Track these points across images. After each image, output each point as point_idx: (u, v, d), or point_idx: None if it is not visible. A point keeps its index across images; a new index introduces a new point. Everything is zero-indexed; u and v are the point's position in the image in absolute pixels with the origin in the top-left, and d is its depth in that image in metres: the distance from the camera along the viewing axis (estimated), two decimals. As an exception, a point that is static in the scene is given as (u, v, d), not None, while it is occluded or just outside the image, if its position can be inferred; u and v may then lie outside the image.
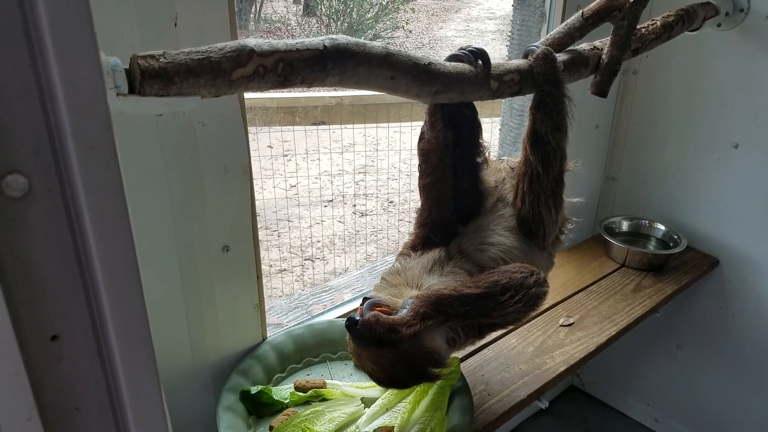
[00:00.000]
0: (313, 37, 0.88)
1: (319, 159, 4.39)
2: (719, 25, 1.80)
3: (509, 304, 1.08)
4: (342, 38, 0.89)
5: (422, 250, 1.26)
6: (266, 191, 4.22)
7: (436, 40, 8.39)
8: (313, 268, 3.73)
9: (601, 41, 1.32)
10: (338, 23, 7.73)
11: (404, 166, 4.39)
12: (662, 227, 2.19)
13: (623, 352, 2.42)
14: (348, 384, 1.38)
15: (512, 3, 1.99)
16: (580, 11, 1.27)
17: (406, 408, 1.28)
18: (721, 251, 2.10)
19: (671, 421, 2.45)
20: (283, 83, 0.84)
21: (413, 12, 8.98)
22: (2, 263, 0.45)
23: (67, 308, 0.48)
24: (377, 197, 4.42)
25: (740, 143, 1.94)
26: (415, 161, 1.28)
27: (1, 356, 0.46)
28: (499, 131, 2.22)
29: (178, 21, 1.04)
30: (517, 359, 1.56)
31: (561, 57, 1.22)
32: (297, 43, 0.85)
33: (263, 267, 1.41)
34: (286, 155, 4.57)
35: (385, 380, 1.14)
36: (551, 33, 1.30)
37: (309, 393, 1.34)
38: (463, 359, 1.53)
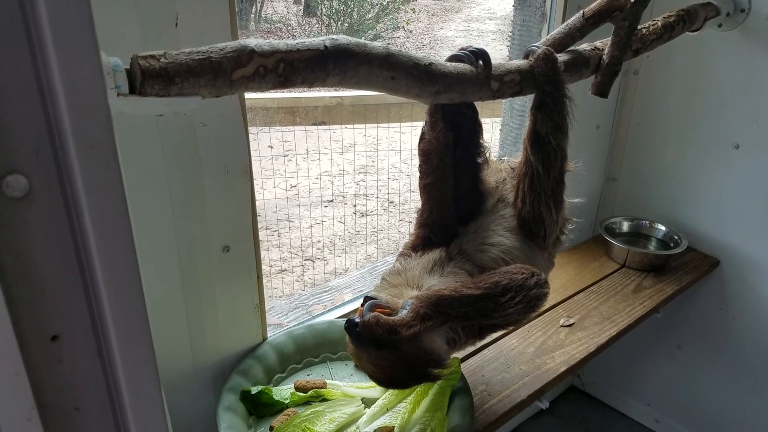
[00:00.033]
0: (314, 37, 0.88)
1: (319, 159, 4.39)
2: (720, 25, 1.80)
3: (510, 305, 1.08)
4: (343, 38, 0.89)
5: (423, 250, 1.26)
6: (267, 191, 4.22)
7: (437, 41, 8.39)
8: (314, 269, 3.73)
9: (601, 41, 1.32)
10: (339, 23, 7.73)
11: (405, 167, 4.39)
12: (663, 228, 2.19)
13: (624, 352, 2.41)
14: (348, 384, 1.38)
15: (513, 3, 1.99)
16: (581, 11, 1.27)
17: (406, 408, 1.28)
18: (721, 252, 2.10)
19: (671, 422, 2.44)
20: (284, 83, 0.84)
21: (414, 12, 8.97)
22: (2, 263, 0.45)
23: (67, 308, 0.48)
24: (377, 197, 4.41)
25: (741, 144, 1.94)
26: (416, 161, 1.28)
27: (1, 356, 0.46)
28: (500, 131, 2.22)
29: (178, 21, 1.04)
30: (517, 360, 1.56)
31: (562, 57, 1.22)
32: (298, 44, 0.85)
33: (263, 267, 1.41)
34: (287, 155, 4.57)
35: (384, 381, 1.14)
36: (552, 33, 1.30)
37: (309, 393, 1.34)
38: (463, 360, 1.53)
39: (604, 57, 1.29)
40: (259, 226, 1.35)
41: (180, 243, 1.21)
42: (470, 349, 1.53)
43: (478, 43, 1.13)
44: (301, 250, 3.83)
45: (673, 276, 2.00)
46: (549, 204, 1.23)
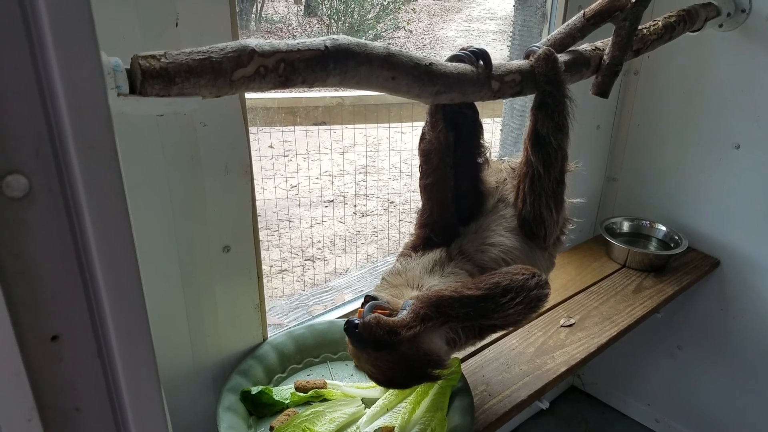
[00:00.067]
0: (314, 37, 0.88)
1: (319, 159, 4.39)
2: (721, 25, 1.80)
3: (510, 306, 1.08)
4: (343, 38, 0.89)
5: (423, 250, 1.26)
6: (267, 191, 4.22)
7: (438, 41, 8.39)
8: (314, 269, 3.73)
9: (602, 42, 1.32)
10: (339, 23, 7.73)
11: (405, 167, 4.39)
12: (663, 228, 2.19)
13: (624, 352, 2.41)
14: (348, 384, 1.38)
15: (513, 3, 1.99)
16: (582, 12, 1.27)
17: (406, 408, 1.27)
18: (721, 252, 2.10)
19: (672, 422, 2.44)
20: (284, 83, 0.84)
21: (414, 12, 8.98)
22: (2, 263, 0.45)
23: (67, 308, 0.48)
24: (378, 197, 4.41)
25: (741, 144, 1.94)
26: (416, 161, 1.28)
27: (1, 356, 0.46)
28: (500, 132, 2.22)
29: (179, 21, 1.04)
30: (517, 360, 1.56)
31: (562, 57, 1.22)
32: (298, 44, 0.85)
33: (264, 267, 1.41)
34: (287, 155, 4.57)
35: (384, 381, 1.14)
36: (552, 33, 1.29)
37: (309, 393, 1.33)
38: (463, 360, 1.53)
39: (605, 57, 1.29)
40: (260, 226, 1.35)
41: (180, 243, 1.21)
42: (470, 349, 1.53)
43: (478, 44, 1.13)
44: (302, 250, 3.83)
45: (673, 276, 2.00)
46: (549, 204, 1.23)
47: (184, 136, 1.14)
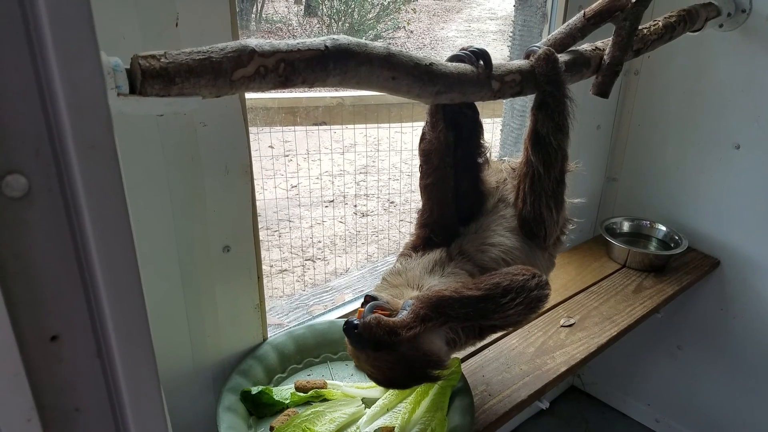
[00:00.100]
0: (315, 37, 0.88)
1: (320, 159, 4.39)
2: (721, 25, 1.80)
3: (510, 307, 1.08)
4: (343, 38, 0.89)
5: (423, 250, 1.26)
6: (267, 191, 4.22)
7: (438, 41, 8.39)
8: (314, 269, 3.72)
9: (602, 42, 1.32)
10: (339, 23, 7.73)
11: (405, 167, 4.39)
12: (663, 228, 2.19)
13: (624, 352, 2.41)
14: (349, 384, 1.38)
15: (514, 3, 1.99)
16: (582, 12, 1.27)
17: (406, 408, 1.27)
18: (722, 252, 2.10)
19: (672, 422, 2.44)
20: (285, 83, 0.84)
21: (414, 12, 8.98)
22: (2, 263, 0.45)
23: (67, 308, 0.48)
24: (378, 197, 4.41)
25: (741, 144, 1.94)
26: (416, 161, 1.28)
27: (1, 357, 0.46)
28: (501, 132, 2.22)
29: (179, 21, 1.04)
30: (517, 360, 1.56)
31: (563, 57, 1.22)
32: (298, 44, 0.85)
33: (264, 267, 1.41)
34: (287, 155, 4.57)
35: (384, 382, 1.14)
36: (553, 33, 1.29)
37: (309, 393, 1.33)
38: (463, 360, 1.53)
39: (605, 57, 1.29)
40: (260, 226, 1.35)
41: (180, 243, 1.21)
42: (470, 349, 1.53)
43: (478, 44, 1.13)
44: (302, 250, 3.83)
45: (673, 276, 2.00)
46: (549, 204, 1.23)
47: (184, 136, 1.14)
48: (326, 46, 0.86)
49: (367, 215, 4.25)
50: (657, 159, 2.18)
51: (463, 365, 1.44)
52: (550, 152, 1.20)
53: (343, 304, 1.77)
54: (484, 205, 1.31)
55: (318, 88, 0.92)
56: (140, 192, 1.12)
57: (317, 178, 4.49)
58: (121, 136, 0.46)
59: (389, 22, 8.31)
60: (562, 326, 1.71)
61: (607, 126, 2.21)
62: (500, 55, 5.21)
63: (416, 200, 1.33)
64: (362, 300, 1.10)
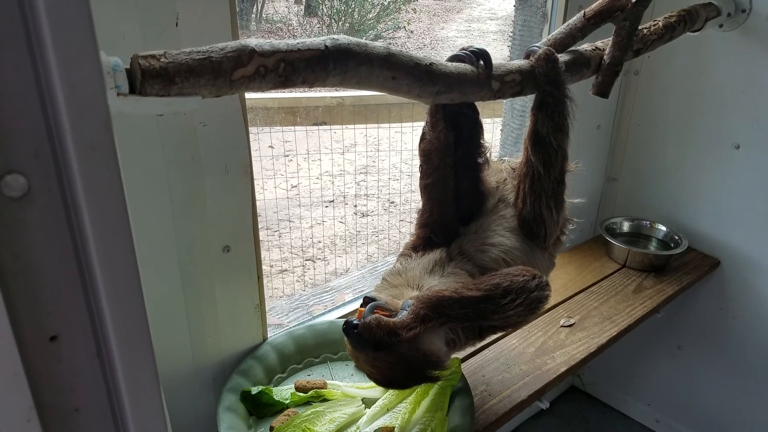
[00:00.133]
0: (315, 37, 0.88)
1: (320, 159, 4.39)
2: (721, 25, 1.80)
3: (510, 308, 1.08)
4: (343, 38, 0.89)
5: (423, 250, 1.26)
6: (267, 191, 4.22)
7: (438, 41, 8.39)
8: (314, 269, 3.72)
9: (602, 42, 1.32)
10: (340, 23, 7.73)
11: (405, 167, 4.39)
12: (663, 228, 2.19)
13: (624, 352, 2.41)
14: (349, 384, 1.38)
15: (514, 3, 1.99)
16: (582, 12, 1.27)
17: (406, 408, 1.27)
18: (722, 252, 2.10)
19: (672, 422, 2.44)
20: (284, 83, 0.84)
21: (415, 12, 8.98)
22: (2, 263, 0.45)
23: (66, 308, 0.48)
24: (378, 198, 4.41)
25: (741, 144, 1.94)
26: (416, 162, 1.27)
27: (0, 357, 0.46)
28: (501, 132, 2.22)
29: (179, 21, 1.04)
30: (517, 360, 1.56)
31: (563, 57, 1.22)
32: (298, 44, 0.85)
33: (264, 267, 1.41)
34: (287, 155, 4.57)
35: (383, 382, 1.14)
36: (553, 33, 1.29)
37: (309, 393, 1.33)
38: (463, 360, 1.53)
39: (605, 57, 1.29)
40: (260, 226, 1.35)
41: (180, 243, 1.21)
42: (470, 349, 1.53)
43: (479, 44, 1.13)
44: (302, 250, 3.83)
45: (673, 276, 2.00)
46: (549, 204, 1.23)
47: (184, 136, 1.14)
48: (326, 46, 0.86)
49: (367, 215, 4.25)
50: (657, 159, 2.18)
51: (463, 365, 1.44)
52: (550, 152, 1.20)
53: (343, 305, 1.77)
54: (484, 205, 1.31)
55: (318, 88, 0.92)
56: (140, 192, 1.12)
57: (317, 178, 4.49)
58: (120, 136, 0.46)
59: (389, 22, 8.31)
60: (562, 326, 1.71)
61: (607, 126, 2.21)
62: (500, 55, 5.21)
63: (416, 200, 1.33)
64: (361, 301, 1.10)
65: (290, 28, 7.89)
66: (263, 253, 1.40)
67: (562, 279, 1.97)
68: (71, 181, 0.45)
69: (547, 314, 1.77)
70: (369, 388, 1.35)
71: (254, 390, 1.29)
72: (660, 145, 2.15)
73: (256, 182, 1.30)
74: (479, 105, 1.24)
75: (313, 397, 1.34)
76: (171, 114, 1.10)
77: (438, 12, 9.62)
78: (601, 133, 2.20)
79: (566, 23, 1.29)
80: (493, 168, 1.35)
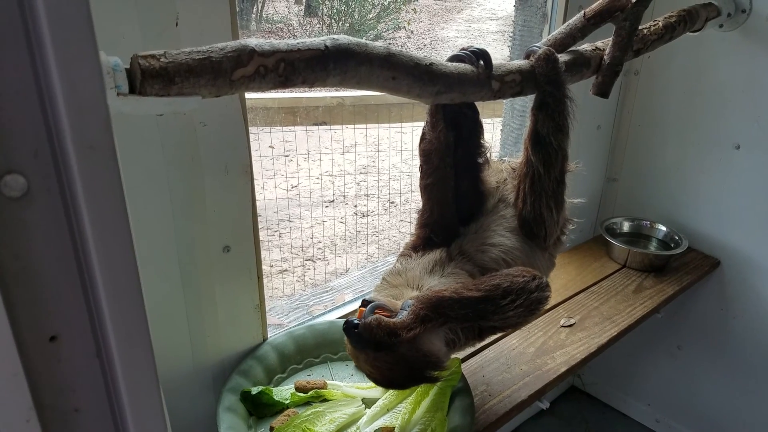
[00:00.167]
0: (315, 37, 0.88)
1: (320, 159, 4.39)
2: (721, 26, 1.80)
3: (510, 308, 1.07)
4: (343, 38, 0.89)
5: (423, 250, 1.26)
6: (267, 191, 4.22)
7: (438, 41, 8.39)
8: (314, 269, 3.72)
9: (602, 42, 1.32)
10: (340, 23, 7.73)
11: (405, 167, 4.39)
12: (663, 228, 2.18)
13: (624, 352, 2.41)
14: (349, 385, 1.38)
15: (514, 4, 1.99)
16: (582, 12, 1.26)
17: (407, 409, 1.27)
18: (722, 252, 2.10)
19: (672, 422, 2.44)
20: (284, 83, 0.84)
21: (415, 12, 8.98)
22: (1, 263, 0.45)
23: (66, 309, 0.48)
24: (378, 198, 4.41)
25: (742, 144, 1.94)
26: (416, 162, 1.27)
27: (0, 357, 0.46)
28: (501, 132, 2.22)
29: (179, 21, 1.04)
30: (518, 360, 1.56)
31: (563, 57, 1.22)
32: (298, 43, 0.85)
33: (264, 267, 1.41)
34: (288, 155, 4.57)
35: (382, 382, 1.14)
36: (553, 33, 1.29)
37: (310, 393, 1.33)
38: (464, 360, 1.53)
39: (605, 57, 1.28)
40: (260, 227, 1.35)
41: (180, 243, 1.21)
42: (470, 349, 1.53)
43: (479, 44, 1.13)
44: (302, 250, 3.83)
45: (673, 276, 2.00)
46: (550, 204, 1.23)
47: (184, 136, 1.14)
48: (326, 46, 0.86)
49: (368, 215, 4.25)
50: (657, 159, 2.18)
51: (463, 365, 1.44)
52: (550, 152, 1.20)
53: (343, 305, 1.77)
54: (484, 205, 1.31)
55: (318, 88, 0.92)
56: (140, 192, 1.12)
57: (317, 178, 4.49)
58: (120, 136, 0.46)
59: (390, 22, 8.31)
60: (562, 326, 1.71)
61: (607, 126, 2.21)
62: (500, 55, 5.22)
63: (416, 200, 1.33)
64: (360, 303, 1.10)
65: (290, 28, 7.89)
66: (263, 253, 1.40)
67: (562, 279, 1.97)
68: (71, 181, 0.45)
69: (547, 314, 1.77)
70: (369, 388, 1.35)
71: (254, 390, 1.29)
72: (660, 145, 2.15)
73: (256, 182, 1.30)
74: (479, 105, 1.24)
75: (313, 397, 1.34)
76: (171, 114, 1.10)
77: (438, 12, 9.62)
78: (602, 133, 2.20)
79: (566, 23, 1.29)
80: (493, 168, 1.35)
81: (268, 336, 1.46)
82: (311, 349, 1.48)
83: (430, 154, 1.23)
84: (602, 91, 1.30)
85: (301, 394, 1.33)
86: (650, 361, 2.44)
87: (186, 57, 0.75)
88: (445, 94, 1.04)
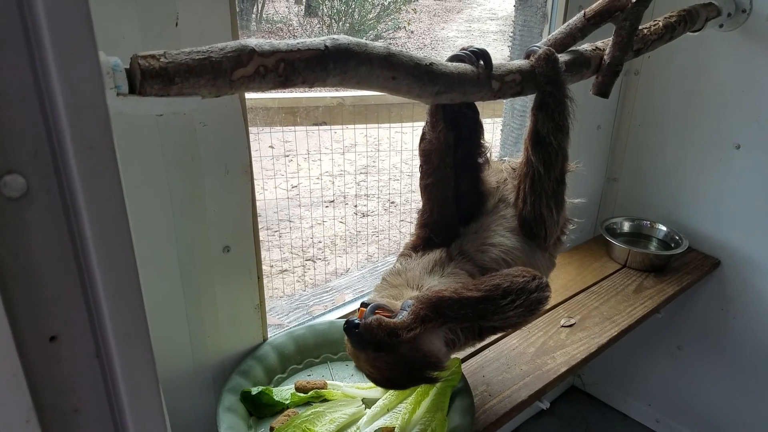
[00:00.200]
0: (315, 37, 0.88)
1: (320, 159, 4.39)
2: (721, 25, 1.80)
3: (510, 309, 1.07)
4: (343, 38, 0.89)
5: (423, 250, 1.26)
6: (267, 191, 4.22)
7: (438, 41, 8.39)
8: (314, 269, 3.72)
9: (603, 42, 1.32)
10: (340, 24, 7.73)
11: (405, 167, 4.39)
12: (663, 228, 2.18)
13: (624, 352, 2.41)
14: (349, 385, 1.38)
15: (514, 4, 1.99)
16: (582, 12, 1.26)
17: (407, 409, 1.27)
18: (722, 252, 2.09)
19: (672, 422, 2.44)
20: (284, 83, 0.84)
21: (415, 12, 8.98)
22: (1, 263, 0.45)
23: (65, 309, 0.48)
24: (378, 198, 4.41)
25: (742, 144, 1.94)
26: (417, 162, 1.27)
27: (0, 357, 0.46)
28: (501, 132, 2.22)
29: (179, 21, 1.04)
30: (518, 360, 1.56)
31: (563, 57, 1.22)
32: (298, 43, 0.85)
33: (264, 267, 1.40)
34: (288, 155, 4.57)
35: (382, 382, 1.14)
36: (553, 33, 1.29)
37: (310, 394, 1.33)
38: (464, 360, 1.53)
39: (605, 57, 1.28)
40: (260, 227, 1.35)
41: (180, 243, 1.21)
42: (471, 349, 1.53)
43: (479, 44, 1.13)
44: (302, 250, 3.83)
45: (673, 276, 2.00)
46: (550, 204, 1.23)
47: (184, 136, 1.14)
48: (326, 46, 0.86)
49: (368, 215, 4.25)
50: (657, 159, 2.18)
51: (463, 365, 1.44)
52: (550, 152, 1.20)
53: (344, 305, 1.77)
54: (484, 205, 1.31)
55: (318, 88, 0.92)
56: (140, 192, 1.12)
57: (317, 178, 4.49)
58: (120, 136, 0.46)
59: (390, 23, 8.31)
60: (562, 326, 1.71)
61: (607, 126, 2.21)
62: (500, 55, 5.22)
63: (416, 200, 1.33)
64: (359, 305, 1.10)
65: (290, 28, 7.89)
66: (263, 253, 1.40)
67: (562, 279, 1.97)
68: (70, 182, 0.45)
69: (547, 314, 1.77)
70: (369, 388, 1.35)
71: (254, 390, 1.29)
72: (660, 145, 2.15)
73: (256, 182, 1.30)
74: (479, 105, 1.24)
75: (314, 397, 1.33)
76: (171, 114, 1.10)
77: (438, 12, 9.62)
78: (602, 133, 2.20)
79: (566, 23, 1.29)
80: (493, 168, 1.35)
81: (268, 336, 1.46)
82: (311, 350, 1.48)
83: (430, 154, 1.23)
84: (602, 91, 1.30)
85: (301, 395, 1.33)
86: (650, 361, 2.44)
87: (186, 57, 0.75)
88: (445, 94, 1.04)
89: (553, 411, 2.60)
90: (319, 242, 3.92)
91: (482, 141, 1.29)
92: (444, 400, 1.30)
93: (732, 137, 1.95)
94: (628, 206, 2.31)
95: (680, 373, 2.35)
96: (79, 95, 0.43)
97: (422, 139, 1.24)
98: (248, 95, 1.21)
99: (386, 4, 8.11)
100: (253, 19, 7.99)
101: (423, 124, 1.24)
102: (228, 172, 1.22)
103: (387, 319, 1.04)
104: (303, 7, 8.56)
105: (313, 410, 1.26)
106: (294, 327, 1.52)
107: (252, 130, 1.29)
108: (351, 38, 0.90)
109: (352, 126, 4.75)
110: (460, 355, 1.50)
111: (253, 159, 1.26)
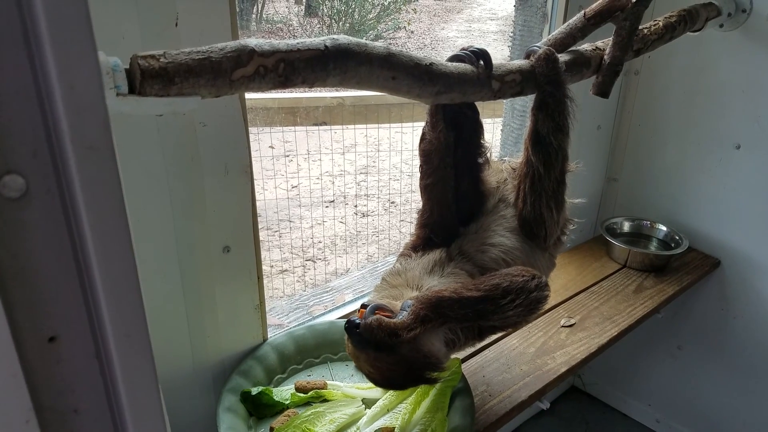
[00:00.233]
0: (315, 37, 0.88)
1: (320, 159, 4.39)
2: (721, 25, 1.80)
3: (509, 308, 1.07)
4: (343, 38, 0.89)
5: (423, 250, 1.26)
6: (267, 192, 4.22)
7: (438, 41, 8.39)
8: (315, 269, 3.72)
9: (603, 42, 1.32)
10: (340, 24, 7.73)
11: (405, 167, 4.39)
12: (664, 228, 2.18)
13: (624, 352, 2.41)
14: (349, 385, 1.38)
15: (514, 4, 1.99)
16: (582, 12, 1.26)
17: (407, 409, 1.27)
18: (722, 252, 2.09)
19: (672, 422, 2.44)
20: (284, 83, 0.84)
21: (415, 13, 8.98)
22: (0, 264, 0.45)
23: (65, 309, 0.48)
24: (378, 198, 4.41)
25: (742, 144, 1.94)
26: (417, 162, 1.27)
27: (-1, 358, 0.46)
28: (501, 132, 2.22)
29: (179, 21, 1.04)
30: (518, 360, 1.56)
31: (563, 57, 1.21)
32: (298, 44, 0.85)
33: (264, 268, 1.40)
34: (288, 156, 4.57)
35: (382, 382, 1.14)
36: (553, 33, 1.29)
37: (310, 394, 1.33)
38: (464, 360, 1.53)
39: (606, 57, 1.28)
40: (260, 227, 1.35)
41: (180, 243, 1.21)
42: (471, 349, 1.53)
43: (479, 44, 1.13)
44: (302, 250, 3.83)
45: (673, 276, 2.00)
46: (550, 204, 1.23)
47: (183, 137, 1.14)
48: (326, 46, 0.86)
49: (368, 215, 4.25)
50: (657, 159, 2.18)
51: (463, 366, 1.44)
52: (550, 152, 1.20)
53: (344, 305, 1.77)
54: (484, 205, 1.30)
55: (318, 88, 0.92)
56: (140, 192, 1.12)
57: (317, 178, 4.49)
58: (120, 136, 0.46)
59: (390, 23, 8.31)
60: (562, 326, 1.71)
61: (607, 126, 2.21)
62: (501, 55, 5.22)
63: (416, 200, 1.33)
64: (360, 306, 1.10)
65: (290, 28, 7.89)
66: (263, 254, 1.40)
67: (562, 279, 1.97)
68: (70, 182, 0.45)
69: (547, 314, 1.77)
70: (369, 388, 1.35)
71: (254, 390, 1.29)
72: (660, 145, 2.15)
73: (256, 182, 1.30)
74: (479, 105, 1.24)
75: (313, 397, 1.33)
76: (171, 114, 1.09)
77: (438, 12, 9.62)
78: (602, 133, 2.20)
79: (566, 23, 1.29)
80: (493, 168, 1.35)
81: (268, 336, 1.46)
82: (311, 350, 1.48)
83: (430, 154, 1.23)
84: (602, 91, 1.30)
85: (301, 395, 1.33)
86: (650, 361, 2.44)
87: (186, 57, 0.75)
88: (445, 94, 1.04)
89: (553, 411, 2.60)
90: (319, 242, 3.92)
91: (482, 141, 1.29)
92: (444, 400, 1.30)
93: (732, 137, 1.95)
94: (628, 206, 2.31)
95: (680, 373, 2.35)
96: (78, 95, 0.43)
97: (422, 139, 1.24)
98: (248, 95, 1.21)
99: (386, 4, 8.11)
100: (253, 19, 7.99)
101: (423, 124, 1.24)
102: (228, 172, 1.22)
103: (387, 320, 1.04)
104: (303, 7, 8.57)
105: (313, 410, 1.25)
106: (294, 327, 1.52)
107: (252, 130, 1.29)
108: (351, 38, 0.90)
109: (352, 126, 4.75)
110: (460, 355, 1.50)
111: (253, 159, 1.26)
